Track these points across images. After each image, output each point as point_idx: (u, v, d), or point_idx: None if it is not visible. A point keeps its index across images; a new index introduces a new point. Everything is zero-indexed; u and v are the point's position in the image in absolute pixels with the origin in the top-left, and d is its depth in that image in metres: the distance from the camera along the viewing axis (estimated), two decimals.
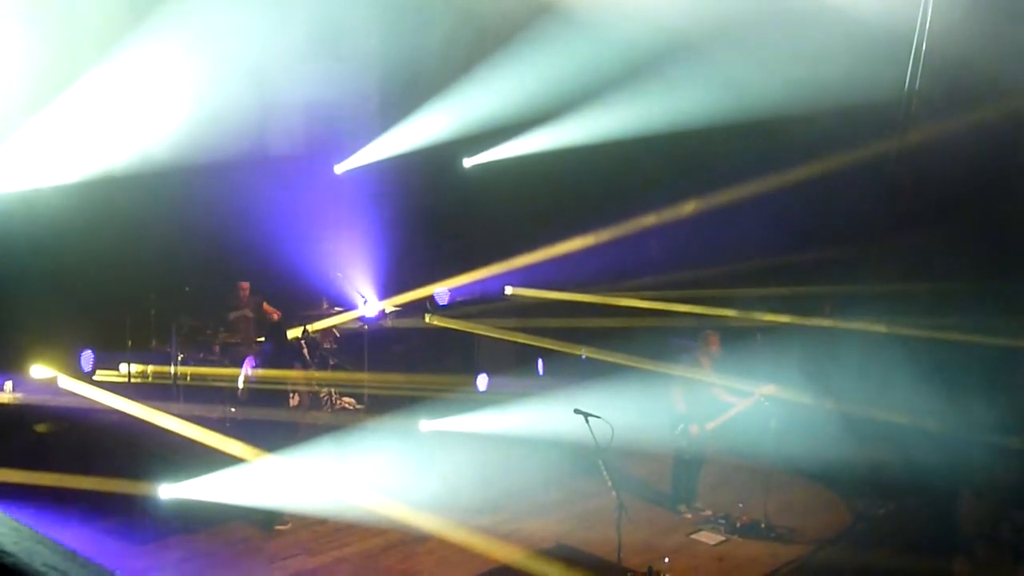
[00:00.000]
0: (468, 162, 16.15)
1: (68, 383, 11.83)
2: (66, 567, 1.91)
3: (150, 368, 12.76)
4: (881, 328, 12.88)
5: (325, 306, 14.38)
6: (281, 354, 11.14)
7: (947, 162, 13.48)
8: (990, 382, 11.10)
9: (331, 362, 13.73)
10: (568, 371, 14.34)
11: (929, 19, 13.28)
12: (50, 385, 11.81)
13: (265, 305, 13.44)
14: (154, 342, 12.95)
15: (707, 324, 12.56)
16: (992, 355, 11.75)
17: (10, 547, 1.95)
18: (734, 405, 10.91)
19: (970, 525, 10.06)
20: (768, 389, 10.74)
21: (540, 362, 15.46)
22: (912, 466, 10.80)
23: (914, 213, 14.11)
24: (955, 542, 9.91)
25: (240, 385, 11.06)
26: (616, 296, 15.47)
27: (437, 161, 15.56)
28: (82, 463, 10.15)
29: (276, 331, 11.46)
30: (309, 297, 14.38)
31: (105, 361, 12.62)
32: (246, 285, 13.51)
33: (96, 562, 2.02)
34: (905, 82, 13.64)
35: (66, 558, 1.97)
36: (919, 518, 10.72)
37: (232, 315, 13.40)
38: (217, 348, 13.13)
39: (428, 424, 12.74)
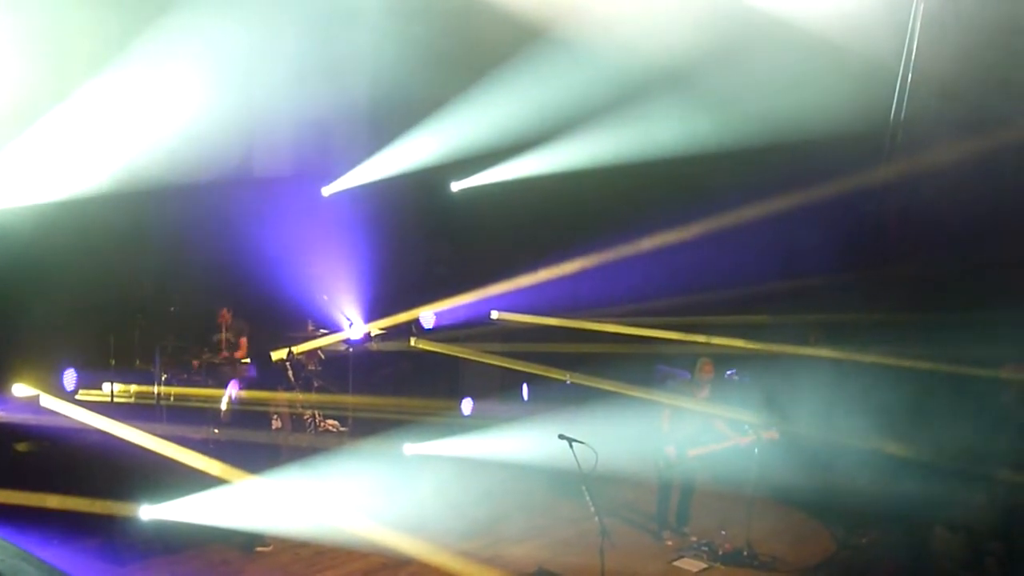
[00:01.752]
0: (456, 186, 16.18)
1: (50, 402, 11.76)
2: None
3: (133, 388, 12.70)
4: (865, 357, 12.91)
5: (310, 328, 14.35)
6: (265, 376, 11.12)
7: (933, 192, 13.55)
8: (972, 412, 11.12)
9: (315, 384, 13.69)
10: (553, 396, 14.34)
11: (915, 49, 13.40)
12: (32, 404, 11.74)
13: (243, 340, 13.41)
14: (138, 362, 12.88)
15: (693, 351, 12.60)
16: (974, 385, 11.80)
17: None
18: (728, 438, 10.93)
19: (945, 560, 10.08)
20: (771, 434, 10.77)
21: (525, 387, 15.45)
22: (892, 496, 10.84)
23: (900, 243, 14.18)
24: (936, 572, 9.94)
25: (223, 407, 11.02)
26: (602, 322, 15.48)
27: (424, 185, 15.59)
28: (63, 483, 10.08)
29: (260, 353, 11.45)
30: (294, 319, 14.36)
31: (88, 380, 12.55)
32: (225, 311, 13.42)
33: None
34: (891, 112, 13.75)
35: None
36: (901, 547, 10.74)
37: (215, 337, 13.35)
38: (201, 368, 13.07)
39: (412, 448, 12.72)
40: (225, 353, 13.15)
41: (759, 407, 11.47)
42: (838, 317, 13.63)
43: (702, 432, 10.99)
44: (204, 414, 12.23)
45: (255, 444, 10.60)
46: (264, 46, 12.84)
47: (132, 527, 9.94)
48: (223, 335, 13.30)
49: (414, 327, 15.24)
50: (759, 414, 11.19)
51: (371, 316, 14.69)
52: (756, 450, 10.71)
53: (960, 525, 10.08)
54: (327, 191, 15.12)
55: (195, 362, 13.03)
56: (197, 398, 12.46)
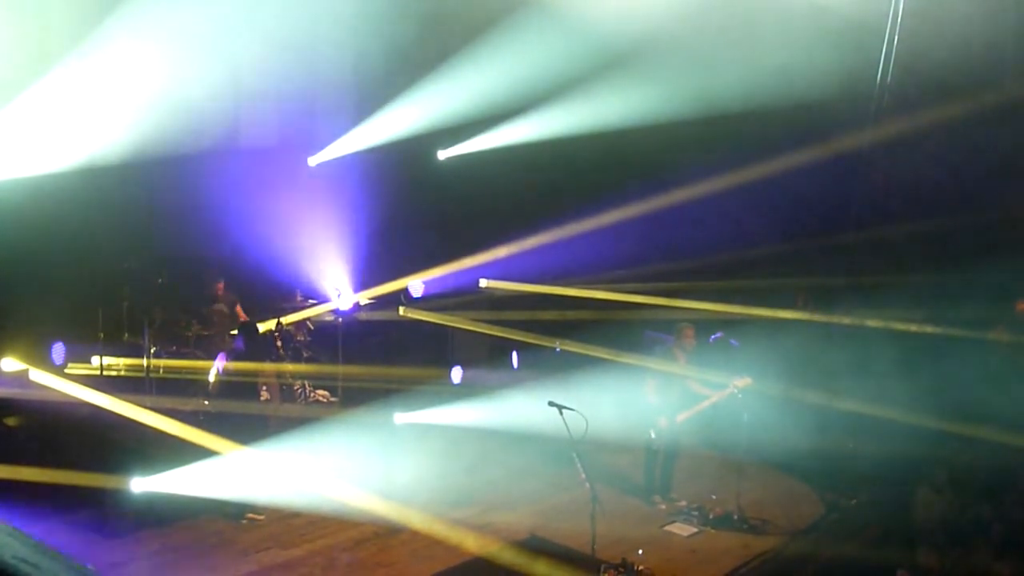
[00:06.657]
0: (442, 154, 16.11)
1: (39, 376, 11.72)
2: (37, 560, 1.90)
3: (122, 361, 12.67)
4: (850, 320, 12.96)
5: (299, 298, 14.33)
6: (254, 347, 11.09)
7: (919, 155, 13.57)
8: (959, 373, 11.16)
9: (305, 355, 13.70)
10: (542, 364, 14.35)
11: (901, 13, 13.35)
12: (21, 378, 11.70)
13: (238, 307, 13.38)
14: (126, 335, 12.85)
15: (682, 316, 12.61)
16: (959, 346, 11.85)
17: None
18: (707, 396, 10.97)
19: (930, 521, 10.12)
20: (743, 382, 10.80)
21: (514, 355, 15.46)
22: (880, 458, 10.90)
23: (886, 206, 14.20)
24: (922, 533, 10.00)
25: (211, 379, 11.00)
26: (590, 289, 15.49)
27: (411, 153, 15.51)
28: (53, 456, 10.08)
29: (249, 325, 11.43)
30: (283, 289, 14.33)
31: (77, 354, 12.51)
32: (221, 284, 13.39)
33: (67, 555, 2.01)
34: (877, 76, 13.72)
35: (37, 551, 1.96)
36: (889, 509, 10.79)
37: (207, 308, 13.31)
38: (192, 340, 13.04)
39: (402, 417, 12.73)
40: (225, 322, 13.14)
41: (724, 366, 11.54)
42: (825, 280, 13.66)
43: (684, 396, 11.03)
44: (194, 386, 12.22)
45: (245, 415, 10.56)
46: (248, 15, 12.74)
47: (123, 500, 9.93)
48: (217, 306, 13.27)
49: (403, 296, 15.22)
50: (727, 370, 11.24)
51: (359, 286, 14.67)
52: (746, 414, 10.76)
53: (945, 485, 10.12)
54: (313, 161, 15.05)
55: (188, 335, 13.00)
56: (186, 370, 12.44)
